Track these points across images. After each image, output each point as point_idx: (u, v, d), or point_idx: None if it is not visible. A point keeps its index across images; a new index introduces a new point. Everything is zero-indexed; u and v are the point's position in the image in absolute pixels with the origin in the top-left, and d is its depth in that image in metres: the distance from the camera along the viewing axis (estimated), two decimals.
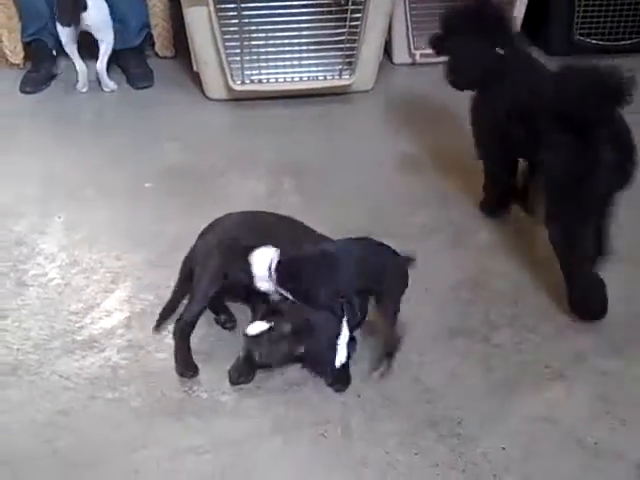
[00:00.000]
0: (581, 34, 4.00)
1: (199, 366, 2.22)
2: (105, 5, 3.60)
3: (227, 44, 3.52)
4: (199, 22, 3.50)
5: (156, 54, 4.04)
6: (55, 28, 3.58)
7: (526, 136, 2.48)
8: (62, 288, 2.52)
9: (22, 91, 3.73)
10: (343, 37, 3.61)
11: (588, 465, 1.94)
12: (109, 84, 3.71)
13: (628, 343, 2.31)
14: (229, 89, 3.61)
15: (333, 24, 3.63)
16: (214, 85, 3.65)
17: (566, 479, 1.91)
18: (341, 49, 3.64)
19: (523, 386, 2.18)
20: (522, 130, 2.50)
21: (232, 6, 3.46)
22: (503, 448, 1.98)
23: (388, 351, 2.23)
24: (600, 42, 4.02)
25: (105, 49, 3.64)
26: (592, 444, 1.99)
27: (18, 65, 3.88)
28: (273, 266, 2.10)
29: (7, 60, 3.88)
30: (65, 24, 3.52)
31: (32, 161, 3.22)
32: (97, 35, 3.60)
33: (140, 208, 2.93)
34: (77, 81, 3.70)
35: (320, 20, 3.63)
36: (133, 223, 2.85)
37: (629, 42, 4.04)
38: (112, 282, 2.55)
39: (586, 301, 2.38)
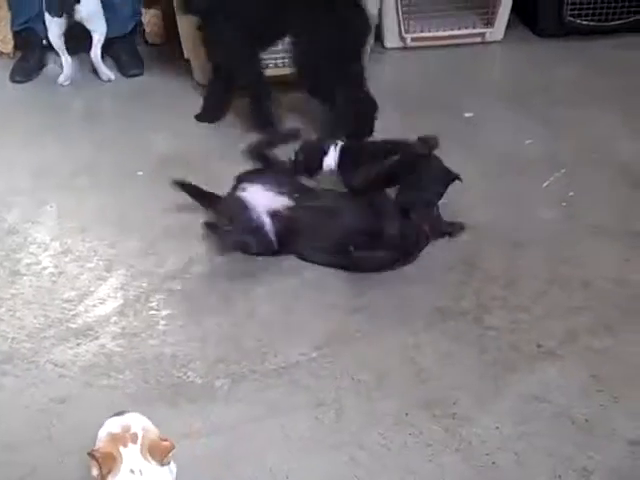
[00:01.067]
0: (572, 15, 4.00)
1: (193, 353, 2.23)
2: None
3: None
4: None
5: (146, 41, 4.03)
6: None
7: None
8: (56, 277, 2.53)
9: (12, 80, 3.73)
10: None
11: (581, 442, 1.95)
12: (107, 73, 3.70)
13: (620, 321, 2.32)
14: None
15: None
16: (205, 72, 3.63)
17: (559, 457, 1.91)
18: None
19: (516, 366, 2.18)
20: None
21: None
22: (497, 427, 1.99)
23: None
24: (590, 23, 4.02)
25: (98, 39, 3.63)
26: (584, 421, 2.00)
27: (8, 54, 3.88)
28: None
29: None
30: (55, 14, 3.50)
31: (23, 151, 3.23)
32: (90, 26, 3.59)
33: (132, 196, 2.94)
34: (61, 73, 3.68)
35: None
36: (126, 211, 2.85)
37: (619, 22, 4.04)
38: (105, 270, 2.56)
39: None
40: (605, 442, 1.95)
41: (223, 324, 2.34)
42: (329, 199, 2.62)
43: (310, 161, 2.74)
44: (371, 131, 3.12)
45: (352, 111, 3.08)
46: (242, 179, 2.63)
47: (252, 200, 2.53)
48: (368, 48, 3.25)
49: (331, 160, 2.73)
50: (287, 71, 3.54)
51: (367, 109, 3.14)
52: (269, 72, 3.52)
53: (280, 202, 2.54)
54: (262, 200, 2.54)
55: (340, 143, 2.75)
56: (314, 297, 2.44)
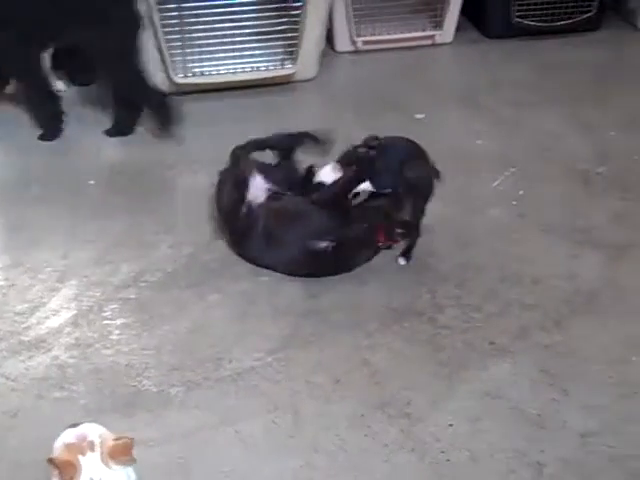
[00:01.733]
0: (519, 16, 4.06)
1: (148, 361, 2.22)
2: None
3: (168, 37, 3.51)
4: None
5: None
6: None
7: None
8: (6, 289, 2.50)
9: None
10: (284, 27, 3.61)
11: (533, 437, 1.98)
12: (58, 84, 3.66)
13: (569, 317, 2.36)
14: (172, 83, 3.59)
15: (274, 14, 3.63)
16: (156, 79, 3.62)
17: (512, 452, 1.94)
18: (283, 39, 3.64)
19: (469, 364, 2.21)
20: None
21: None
22: (451, 425, 2.02)
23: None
24: (538, 23, 4.09)
25: None
26: (536, 416, 2.03)
27: None
28: None
29: None
30: None
31: None
32: None
33: (84, 206, 2.91)
34: None
35: (261, 10, 3.64)
36: (78, 221, 2.83)
37: (565, 22, 4.11)
38: (58, 281, 2.54)
39: None
40: (557, 435, 1.99)
41: (178, 332, 2.34)
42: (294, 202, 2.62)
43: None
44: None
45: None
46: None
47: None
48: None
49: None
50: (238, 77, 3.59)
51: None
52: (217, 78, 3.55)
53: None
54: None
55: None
56: (268, 302, 2.45)
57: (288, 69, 3.68)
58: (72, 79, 3.75)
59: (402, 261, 2.59)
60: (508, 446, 1.96)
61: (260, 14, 3.63)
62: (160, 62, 3.56)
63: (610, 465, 1.91)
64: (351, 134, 3.28)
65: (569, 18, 4.09)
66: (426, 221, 2.72)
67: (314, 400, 2.10)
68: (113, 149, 3.27)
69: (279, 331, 2.33)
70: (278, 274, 2.54)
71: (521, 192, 2.89)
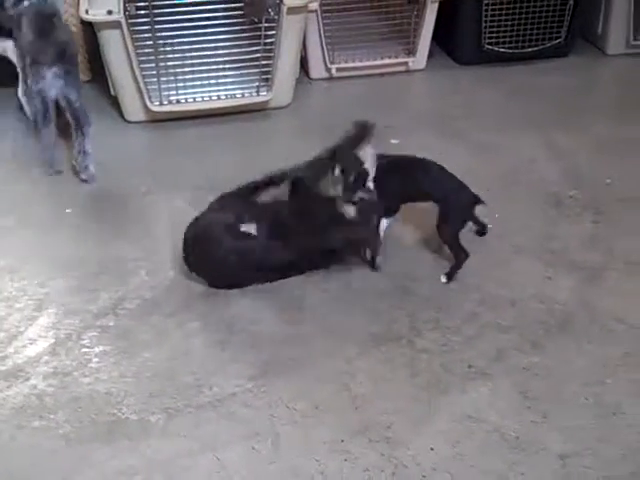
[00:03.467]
0: (490, 43, 4.13)
1: (127, 389, 2.22)
2: None
3: (143, 66, 3.53)
4: (113, 44, 3.50)
5: None
6: None
7: None
8: None
9: None
10: (258, 54, 3.64)
11: (512, 459, 2.00)
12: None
13: (545, 338, 2.39)
14: (147, 111, 3.62)
15: (248, 42, 3.66)
16: (132, 108, 3.64)
17: (492, 474, 1.96)
18: (257, 66, 3.67)
19: (448, 387, 2.23)
20: None
21: (146, 28, 3.47)
22: (431, 449, 2.03)
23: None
24: (508, 50, 4.17)
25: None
26: (515, 439, 2.05)
27: None
28: None
29: None
30: None
31: None
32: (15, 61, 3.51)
33: (62, 234, 2.90)
34: None
35: (235, 38, 3.66)
36: (56, 250, 2.82)
37: (535, 49, 4.20)
38: (35, 309, 2.52)
39: None
40: (536, 457, 2.01)
41: (157, 359, 2.33)
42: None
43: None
44: None
45: None
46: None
47: None
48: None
49: None
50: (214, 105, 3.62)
51: None
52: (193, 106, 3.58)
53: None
54: None
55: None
56: (247, 328, 2.45)
57: (263, 96, 3.70)
58: None
59: (443, 279, 2.63)
60: (488, 469, 1.98)
61: (234, 42, 3.65)
62: (136, 90, 3.57)
63: None
64: None
65: (539, 45, 4.18)
66: (404, 245, 2.77)
67: (294, 426, 2.11)
68: None
69: (258, 357, 2.33)
70: (257, 301, 2.55)
71: (496, 215, 2.93)
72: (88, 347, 2.37)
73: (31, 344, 2.39)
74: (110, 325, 2.46)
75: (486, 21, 4.07)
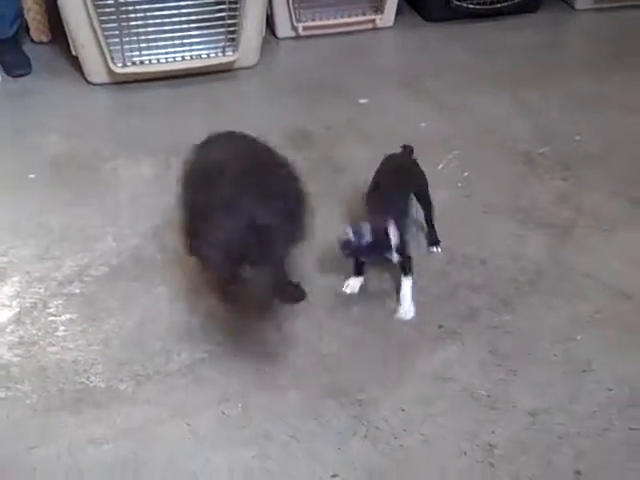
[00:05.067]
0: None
1: (95, 357, 2.18)
2: None
3: (104, 25, 3.44)
4: (73, 3, 3.40)
5: (31, 40, 3.90)
6: None
7: None
8: None
9: None
10: (224, 13, 3.57)
11: (484, 418, 2.00)
12: None
13: (516, 297, 2.39)
14: (110, 72, 3.54)
15: (213, 0, 3.58)
16: (94, 69, 3.56)
17: (462, 433, 1.96)
18: (222, 25, 3.60)
19: (419, 347, 2.22)
20: None
21: None
22: (403, 410, 2.02)
23: None
24: (477, 6, 4.13)
25: None
26: (486, 397, 2.05)
27: None
28: None
29: None
30: None
31: None
32: None
33: (24, 200, 2.85)
34: None
35: None
36: (18, 216, 2.76)
37: (504, 5, 4.16)
38: None
39: None
40: (507, 415, 2.01)
41: (125, 326, 2.30)
42: None
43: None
44: None
45: None
46: None
47: None
48: None
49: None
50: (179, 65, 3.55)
51: None
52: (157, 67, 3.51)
53: None
54: None
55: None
56: (215, 293, 2.42)
57: (229, 56, 3.64)
58: (8, 71, 3.65)
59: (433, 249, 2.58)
60: (459, 428, 1.97)
61: (199, 1, 3.58)
62: (97, 51, 3.48)
63: (559, 442, 1.93)
64: (295, 121, 3.30)
65: (507, 0, 4.13)
66: None
67: (264, 390, 2.09)
68: (53, 142, 3.19)
69: (227, 322, 2.30)
70: None
71: (465, 174, 2.92)
72: (54, 315, 2.33)
73: None
74: (76, 292, 2.42)
75: None
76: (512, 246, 2.59)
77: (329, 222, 2.65)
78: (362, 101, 3.46)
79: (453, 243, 2.60)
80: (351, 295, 2.39)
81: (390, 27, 4.12)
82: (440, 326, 2.28)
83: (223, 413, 2.02)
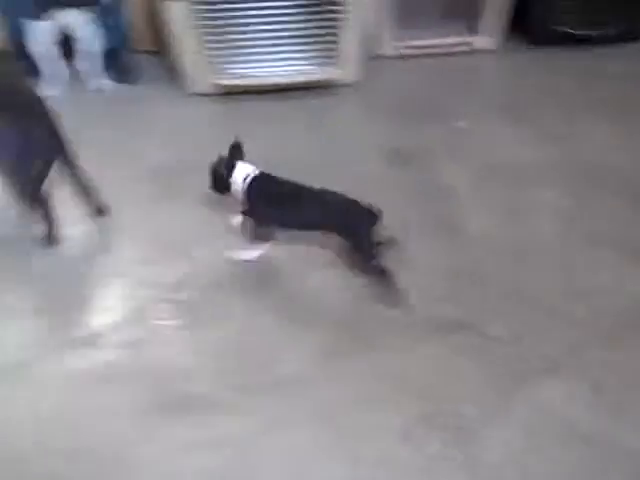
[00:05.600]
0: (562, 24, 4.06)
1: (197, 364, 2.20)
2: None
3: (208, 38, 3.50)
4: (179, 16, 3.47)
5: (137, 49, 3.97)
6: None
7: None
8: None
9: None
10: (323, 30, 3.59)
11: (587, 454, 1.95)
12: (102, 84, 3.66)
13: (622, 332, 2.33)
14: (211, 83, 3.59)
15: (315, 17, 3.60)
16: (196, 80, 3.62)
17: (564, 467, 1.92)
18: (322, 42, 3.62)
19: (522, 378, 2.18)
20: None
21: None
22: (502, 440, 1.99)
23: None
24: (580, 32, 4.08)
25: (90, 50, 3.58)
26: (590, 433, 2.00)
27: None
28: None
29: None
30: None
31: None
32: (76, 34, 3.53)
33: (131, 208, 2.87)
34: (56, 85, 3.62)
35: (302, 13, 3.60)
36: (126, 223, 2.80)
37: (610, 31, 4.10)
38: (109, 279, 2.53)
39: None
40: (611, 454, 1.96)
41: (228, 335, 2.32)
42: None
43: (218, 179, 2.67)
44: None
45: None
46: None
47: None
48: None
49: (238, 186, 2.62)
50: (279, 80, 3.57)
51: None
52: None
53: None
54: None
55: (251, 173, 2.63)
56: (314, 306, 2.42)
57: (328, 73, 3.65)
58: (114, 78, 3.74)
59: None
60: (560, 462, 1.93)
61: (300, 17, 3.60)
62: (200, 62, 3.54)
63: None
64: (392, 140, 3.29)
65: (611, 27, 4.07)
66: (472, 230, 2.70)
67: (358, 410, 2.08)
68: (155, 150, 3.24)
69: (328, 337, 2.30)
70: (324, 285, 2.52)
71: (568, 204, 2.86)
72: (161, 320, 2.37)
73: (105, 313, 2.40)
74: (183, 299, 2.45)
75: (559, 2, 3.99)
76: (618, 279, 2.53)
77: (431, 248, 2.64)
78: (460, 124, 3.43)
79: (556, 274, 2.55)
80: (450, 321, 2.36)
81: (492, 50, 4.10)
82: (543, 358, 2.24)
83: (317, 431, 2.02)
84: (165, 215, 2.83)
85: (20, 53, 3.56)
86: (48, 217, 2.60)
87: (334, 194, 2.51)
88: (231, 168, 2.64)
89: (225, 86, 3.59)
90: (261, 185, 2.59)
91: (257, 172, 2.62)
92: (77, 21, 3.47)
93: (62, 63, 3.61)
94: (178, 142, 3.30)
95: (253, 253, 2.62)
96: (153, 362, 2.23)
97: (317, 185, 2.56)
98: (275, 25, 3.58)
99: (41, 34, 3.45)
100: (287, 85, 3.63)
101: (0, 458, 1.97)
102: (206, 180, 2.80)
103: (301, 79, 3.64)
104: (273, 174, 2.62)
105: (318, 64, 3.66)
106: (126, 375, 2.18)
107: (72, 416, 2.06)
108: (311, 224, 2.56)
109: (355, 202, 2.47)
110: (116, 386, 2.15)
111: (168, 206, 2.88)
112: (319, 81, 3.68)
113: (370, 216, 2.45)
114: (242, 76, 3.60)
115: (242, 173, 2.62)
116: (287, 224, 2.60)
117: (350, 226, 2.47)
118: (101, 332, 2.32)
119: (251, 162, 3.08)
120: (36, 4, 3.39)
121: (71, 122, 3.01)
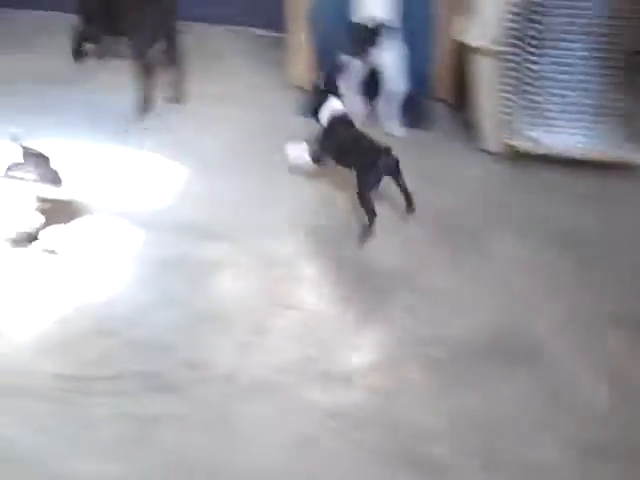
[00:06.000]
0: None
1: (442, 427, 2.18)
2: (400, 46, 3.59)
3: (509, 96, 3.49)
4: (484, 71, 3.50)
5: (434, 97, 4.02)
6: None
7: None
8: (318, 317, 2.59)
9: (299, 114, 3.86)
10: (622, 103, 3.45)
11: None
12: (395, 126, 3.76)
13: None
14: (503, 143, 3.55)
15: (623, 90, 3.47)
16: (490, 138, 3.61)
17: None
18: (630, 118, 3.46)
19: None
20: None
21: (518, 60, 3.45)
22: None
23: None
24: None
25: (393, 91, 3.67)
26: None
27: None
28: None
29: None
30: (355, 55, 3.57)
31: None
32: (384, 73, 3.63)
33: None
34: None
35: (609, 84, 3.50)
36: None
37: None
38: (359, 321, 2.59)
39: None
40: None
41: (473, 405, 2.28)
42: None
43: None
44: None
45: None
46: None
47: None
48: None
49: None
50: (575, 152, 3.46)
51: None
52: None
53: None
54: None
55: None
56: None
57: (627, 153, 3.46)
58: (408, 123, 3.81)
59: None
60: None
61: (603, 89, 3.49)
62: (497, 121, 3.54)
63: None
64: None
65: None
66: None
67: None
68: (448, 198, 3.25)
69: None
70: None
71: None
72: (411, 373, 2.38)
73: (357, 353, 2.45)
74: (435, 357, 2.44)
75: None
76: None
77: None
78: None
79: None
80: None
81: None
82: None
83: None
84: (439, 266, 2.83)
85: (326, 82, 3.75)
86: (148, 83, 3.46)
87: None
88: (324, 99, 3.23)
89: (516, 148, 3.54)
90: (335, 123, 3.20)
91: (340, 112, 3.21)
92: (387, 62, 3.58)
93: (362, 99, 3.75)
94: (458, 194, 3.30)
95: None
96: (398, 415, 2.24)
97: None
98: (580, 95, 3.50)
99: (352, 70, 3.60)
100: (579, 158, 3.49)
101: None
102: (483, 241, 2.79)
103: (600, 156, 3.49)
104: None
105: (622, 142, 3.49)
106: (370, 421, 2.21)
107: (309, 453, 2.13)
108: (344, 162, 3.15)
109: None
110: (358, 430, 2.18)
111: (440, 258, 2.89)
112: (622, 162, 3.49)
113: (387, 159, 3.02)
114: (536, 141, 3.53)
115: (330, 107, 3.22)
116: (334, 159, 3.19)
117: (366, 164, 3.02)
118: (350, 373, 2.37)
119: (536, 231, 3.02)
120: (356, 43, 3.55)
121: None
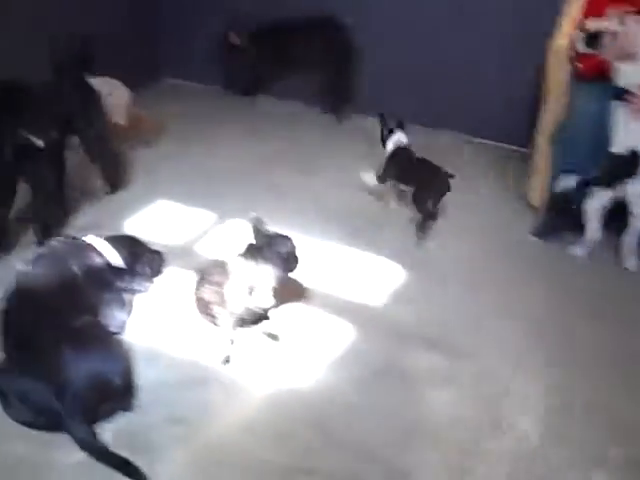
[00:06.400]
0: None
1: None
2: None
3: None
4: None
5: None
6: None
7: None
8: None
9: (533, 234, 3.76)
10: None
11: None
12: (633, 261, 3.56)
13: None
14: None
15: None
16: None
17: None
18: None
19: None
20: None
21: None
22: None
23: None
24: None
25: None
26: None
27: (536, 209, 3.94)
28: None
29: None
30: (605, 186, 3.41)
31: None
32: (633, 208, 3.42)
33: None
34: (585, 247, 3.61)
35: None
36: None
37: None
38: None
39: None
40: None
41: None
42: None
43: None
44: None
45: None
46: None
47: None
48: None
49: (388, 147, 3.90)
50: None
51: None
52: None
53: None
54: None
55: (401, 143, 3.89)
56: None
57: None
58: None
59: None
60: None
61: None
62: None
63: None
64: None
65: None
66: None
67: None
68: None
69: None
70: None
71: None
72: None
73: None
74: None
75: None
76: None
77: None
78: None
79: None
80: None
81: None
82: None
83: None
84: None
85: (561, 205, 3.68)
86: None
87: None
88: (390, 132, 3.85)
89: None
90: (399, 155, 3.82)
91: (404, 145, 3.84)
92: (637, 195, 3.41)
93: (600, 229, 3.58)
94: None
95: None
96: None
97: None
98: None
99: (600, 199, 3.46)
100: None
101: None
102: None
103: None
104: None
105: None
106: None
107: None
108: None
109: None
110: None
111: None
112: None
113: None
114: None
115: (395, 139, 3.84)
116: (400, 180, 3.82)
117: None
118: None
119: None
120: (611, 173, 3.42)
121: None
